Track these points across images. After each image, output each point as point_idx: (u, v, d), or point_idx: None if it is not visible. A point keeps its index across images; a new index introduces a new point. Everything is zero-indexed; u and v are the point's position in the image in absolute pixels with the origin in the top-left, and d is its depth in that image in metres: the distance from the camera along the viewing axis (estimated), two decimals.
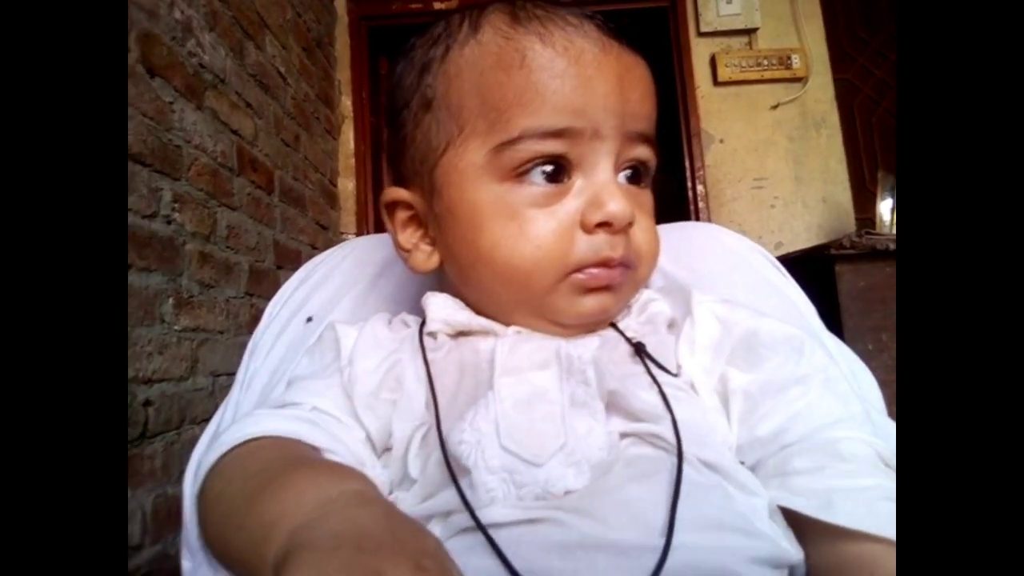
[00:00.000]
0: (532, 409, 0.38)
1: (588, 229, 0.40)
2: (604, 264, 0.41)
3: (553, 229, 0.40)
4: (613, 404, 0.38)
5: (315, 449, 0.38)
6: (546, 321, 0.43)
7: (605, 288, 0.42)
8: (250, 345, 0.61)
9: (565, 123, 0.39)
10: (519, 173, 0.40)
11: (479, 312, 0.44)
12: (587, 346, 0.42)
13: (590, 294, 0.42)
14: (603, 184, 0.40)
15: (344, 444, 0.39)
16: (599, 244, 0.40)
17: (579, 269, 0.41)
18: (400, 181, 0.47)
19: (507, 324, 0.43)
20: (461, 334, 0.44)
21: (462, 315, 0.44)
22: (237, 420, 0.40)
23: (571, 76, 0.39)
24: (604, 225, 0.40)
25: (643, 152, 0.43)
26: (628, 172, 0.43)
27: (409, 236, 0.47)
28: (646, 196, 0.45)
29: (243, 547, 0.31)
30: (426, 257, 0.47)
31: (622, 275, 0.42)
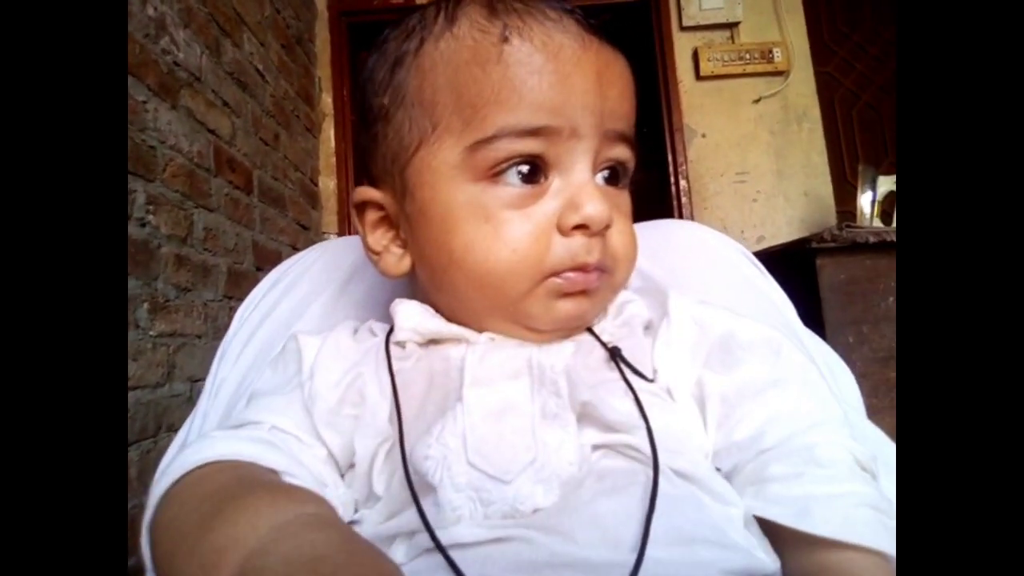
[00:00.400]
0: (502, 422, 0.37)
1: (565, 232, 0.39)
2: (580, 269, 0.40)
3: (529, 232, 0.39)
4: (586, 415, 0.37)
5: (273, 472, 0.36)
6: (520, 327, 0.41)
7: (581, 293, 0.41)
8: (219, 351, 0.59)
9: (543, 121, 0.38)
10: (494, 173, 0.39)
11: (451, 319, 0.43)
12: (560, 354, 0.41)
13: (566, 299, 0.40)
14: (580, 185, 0.39)
15: (304, 465, 0.38)
16: (575, 248, 0.39)
17: (555, 273, 0.39)
18: (371, 180, 0.46)
19: (480, 331, 0.42)
20: (432, 342, 0.43)
21: (432, 322, 0.43)
22: (194, 442, 0.38)
23: (549, 72, 0.38)
24: (581, 228, 0.39)
25: (621, 152, 0.42)
26: (606, 173, 0.42)
27: (379, 238, 0.46)
28: (624, 198, 0.44)
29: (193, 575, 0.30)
30: (397, 260, 0.45)
31: (599, 279, 0.41)
